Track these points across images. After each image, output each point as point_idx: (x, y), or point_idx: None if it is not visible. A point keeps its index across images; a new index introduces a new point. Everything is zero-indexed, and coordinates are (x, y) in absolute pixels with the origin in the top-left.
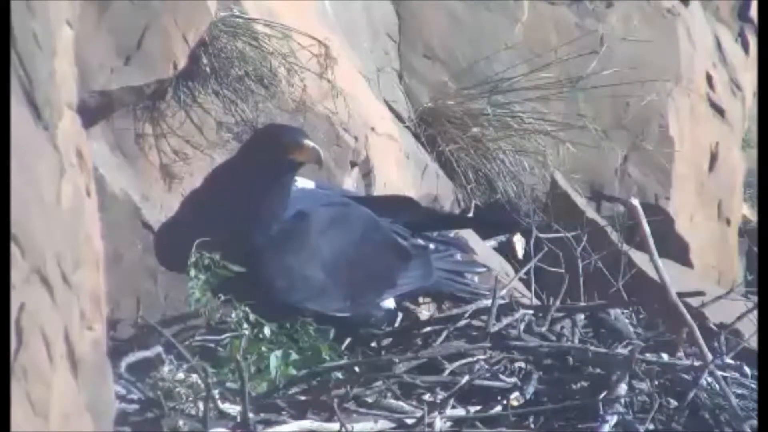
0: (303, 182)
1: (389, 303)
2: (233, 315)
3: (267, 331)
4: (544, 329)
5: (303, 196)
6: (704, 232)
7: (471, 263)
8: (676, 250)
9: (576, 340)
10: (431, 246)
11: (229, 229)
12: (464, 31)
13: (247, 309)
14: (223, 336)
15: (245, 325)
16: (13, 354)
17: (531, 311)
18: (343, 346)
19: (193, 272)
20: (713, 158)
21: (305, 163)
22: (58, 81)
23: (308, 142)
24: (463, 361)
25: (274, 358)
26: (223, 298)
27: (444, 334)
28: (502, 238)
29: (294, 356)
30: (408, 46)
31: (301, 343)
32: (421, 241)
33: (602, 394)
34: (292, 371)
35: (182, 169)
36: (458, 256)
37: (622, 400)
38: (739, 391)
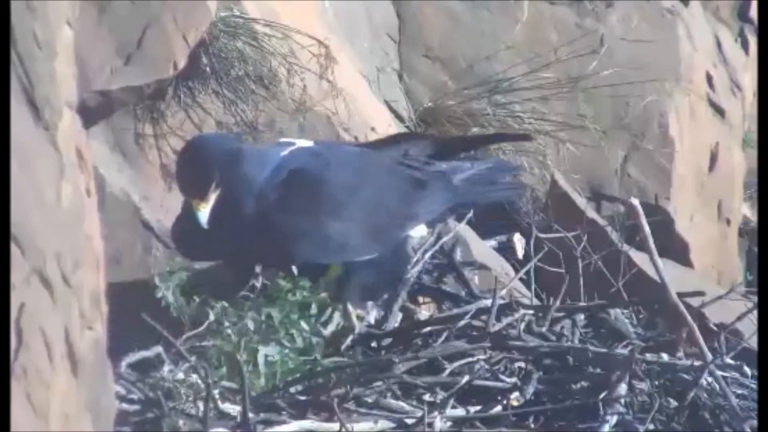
0: (301, 142)
1: (420, 230)
2: (211, 315)
3: (251, 324)
4: (544, 329)
5: (300, 154)
6: (704, 232)
7: (502, 167)
8: (676, 250)
9: (576, 340)
10: (467, 164)
11: (224, 210)
12: (464, 31)
13: (225, 304)
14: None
15: (226, 323)
16: (13, 354)
17: (531, 311)
18: (343, 346)
19: (157, 280)
20: (713, 158)
21: None
22: (58, 81)
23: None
24: (463, 361)
25: (263, 357)
26: (197, 300)
27: (444, 334)
28: (503, 238)
29: (286, 351)
30: (408, 46)
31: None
32: (442, 165)
33: (602, 394)
34: (289, 365)
35: None
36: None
37: (622, 400)
38: (739, 391)
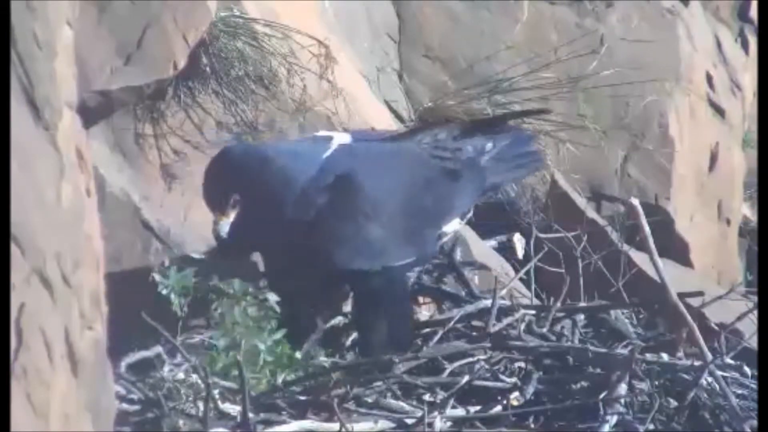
0: (339, 137)
1: (453, 224)
2: (218, 310)
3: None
4: (544, 330)
5: (343, 156)
6: (704, 232)
7: (521, 139)
8: (676, 250)
9: (576, 340)
10: (488, 144)
11: (264, 210)
12: (464, 31)
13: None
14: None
15: (227, 319)
16: (13, 354)
17: (531, 311)
18: (348, 341)
19: (158, 277)
20: (713, 158)
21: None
22: (58, 81)
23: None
24: (463, 361)
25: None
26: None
27: (444, 334)
28: (503, 238)
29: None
30: (408, 46)
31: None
32: (468, 147)
33: (602, 394)
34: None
35: (182, 169)
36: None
37: (622, 400)
38: (739, 391)
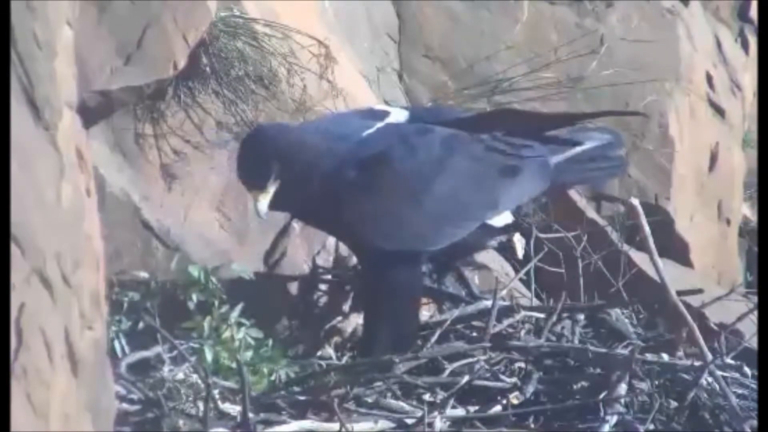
0: (396, 113)
1: (504, 218)
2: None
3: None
4: (545, 332)
5: (382, 135)
6: (704, 232)
7: (612, 144)
8: (676, 250)
9: (576, 340)
10: (569, 147)
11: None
12: (464, 31)
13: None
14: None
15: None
16: (13, 354)
17: (532, 313)
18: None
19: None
20: (713, 158)
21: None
22: (58, 81)
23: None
24: (463, 362)
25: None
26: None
27: (444, 334)
28: (503, 238)
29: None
30: (408, 46)
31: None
32: (541, 146)
33: (602, 394)
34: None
35: (182, 169)
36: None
37: (622, 400)
38: (739, 391)
